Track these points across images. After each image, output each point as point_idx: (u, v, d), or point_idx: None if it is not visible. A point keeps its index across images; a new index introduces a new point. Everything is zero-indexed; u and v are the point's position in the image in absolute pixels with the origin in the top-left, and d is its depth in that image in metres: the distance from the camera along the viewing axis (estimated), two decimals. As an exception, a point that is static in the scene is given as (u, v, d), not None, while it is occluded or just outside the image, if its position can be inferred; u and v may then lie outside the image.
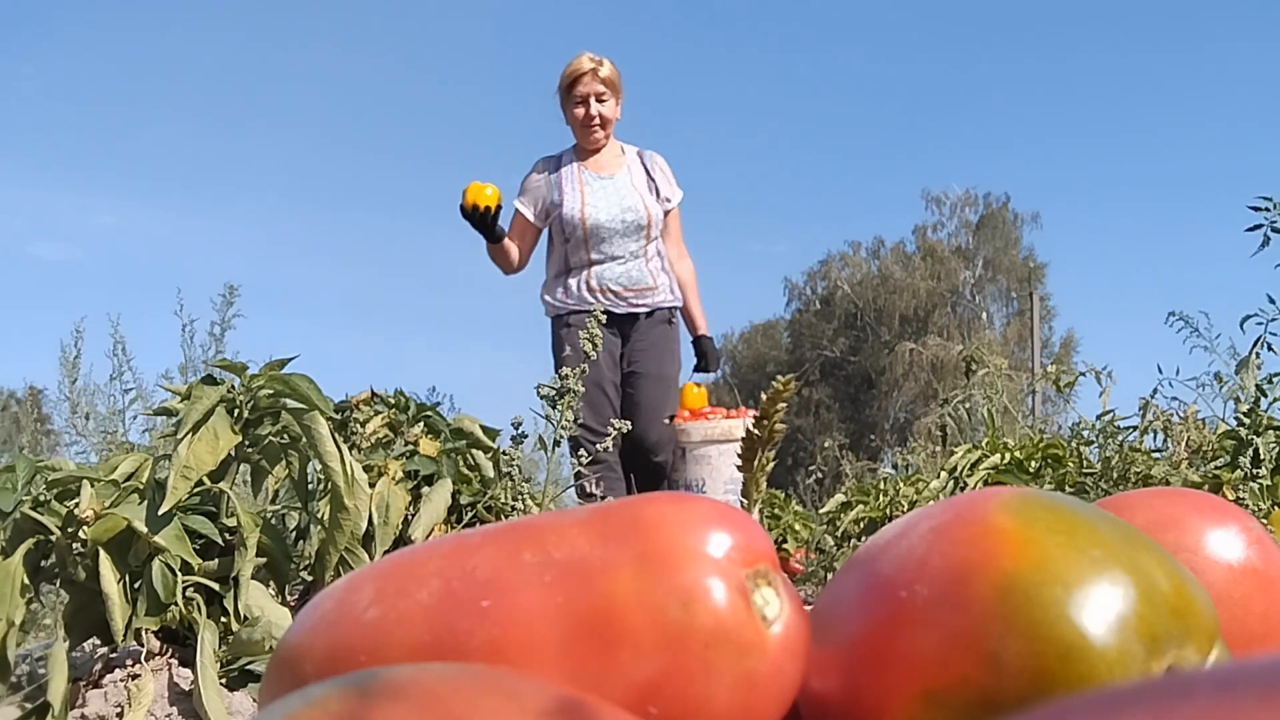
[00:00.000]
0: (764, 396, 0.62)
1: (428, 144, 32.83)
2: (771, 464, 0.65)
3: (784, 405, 0.63)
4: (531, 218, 3.11)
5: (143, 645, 1.25)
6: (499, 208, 2.96)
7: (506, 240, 3.09)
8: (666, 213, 3.16)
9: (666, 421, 3.08)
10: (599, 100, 3.05)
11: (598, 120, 3.05)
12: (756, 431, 0.62)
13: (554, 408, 1.59)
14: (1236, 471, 1.89)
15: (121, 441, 2.74)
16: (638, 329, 3.11)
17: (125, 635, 1.18)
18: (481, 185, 2.98)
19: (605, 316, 1.93)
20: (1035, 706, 0.31)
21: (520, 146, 34.13)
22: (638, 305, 3.09)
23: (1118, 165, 31.31)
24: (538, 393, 1.64)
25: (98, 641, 1.32)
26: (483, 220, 2.97)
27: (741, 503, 0.65)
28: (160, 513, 1.19)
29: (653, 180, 3.15)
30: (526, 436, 1.66)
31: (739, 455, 0.64)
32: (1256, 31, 28.80)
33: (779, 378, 0.62)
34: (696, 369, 3.33)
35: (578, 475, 1.90)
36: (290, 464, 1.42)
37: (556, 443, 1.64)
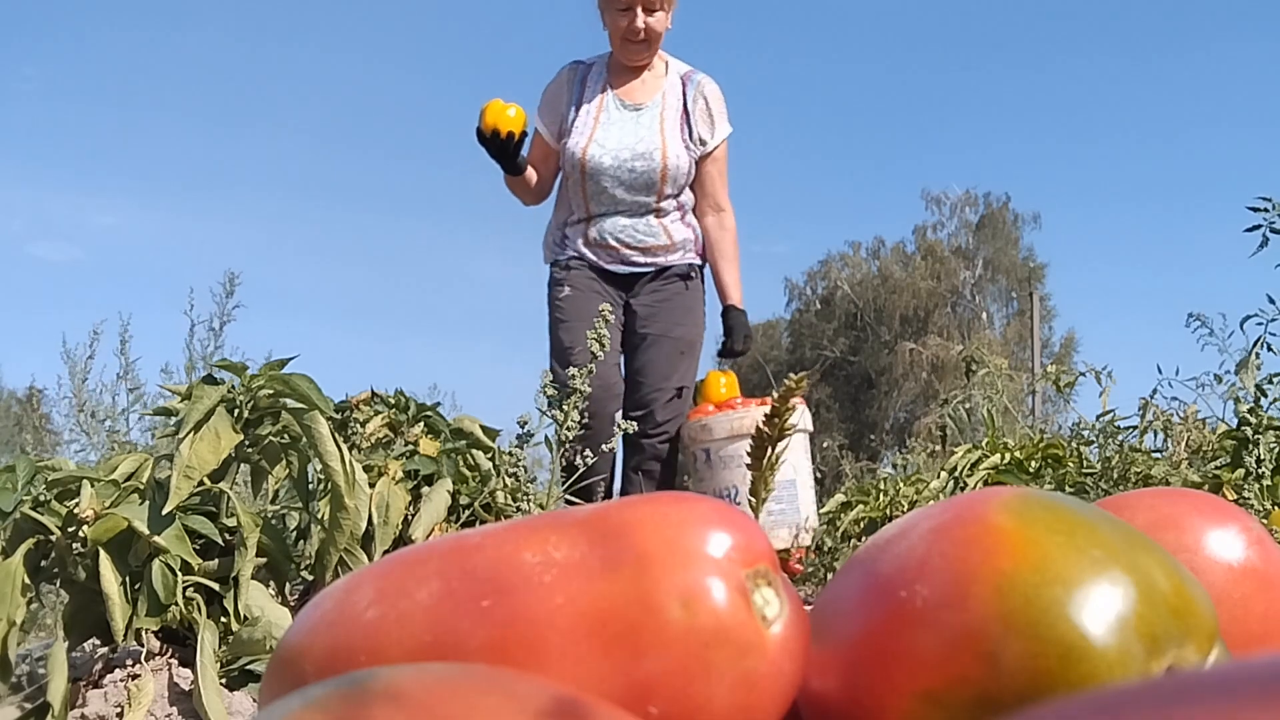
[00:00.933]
0: (775, 393, 0.62)
1: (427, 143, 32.85)
2: (783, 463, 0.65)
3: (796, 403, 0.62)
4: (550, 139, 2.58)
5: (143, 645, 1.25)
6: (524, 134, 2.45)
7: (529, 169, 2.56)
8: (704, 156, 2.57)
9: (677, 395, 2.56)
10: (648, 9, 2.46)
11: (643, 34, 2.48)
12: (767, 429, 0.61)
13: (559, 407, 1.59)
14: (1237, 471, 1.89)
15: (122, 441, 2.74)
16: (644, 288, 2.58)
17: (125, 635, 1.18)
18: (504, 105, 2.44)
19: (601, 275, 1.79)
20: (1035, 706, 0.31)
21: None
22: (642, 265, 2.57)
23: (1118, 165, 31.34)
24: (543, 391, 1.63)
25: (98, 641, 1.32)
26: (504, 148, 2.45)
27: (783, 510, 0.63)
28: (162, 513, 1.19)
29: (688, 116, 2.57)
30: (532, 435, 1.66)
31: (749, 453, 0.63)
32: (1257, 32, 28.81)
33: (792, 375, 0.61)
34: (721, 352, 2.70)
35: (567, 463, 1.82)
36: (290, 464, 1.42)
37: (561, 442, 1.63)
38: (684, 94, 2.59)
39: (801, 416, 2.29)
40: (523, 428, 1.65)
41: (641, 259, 2.56)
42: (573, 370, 1.64)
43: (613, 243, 2.54)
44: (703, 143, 2.57)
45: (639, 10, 2.46)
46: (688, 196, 2.59)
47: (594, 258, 2.57)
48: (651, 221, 2.55)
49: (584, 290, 2.53)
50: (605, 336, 1.65)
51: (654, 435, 2.50)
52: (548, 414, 1.60)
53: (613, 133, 2.52)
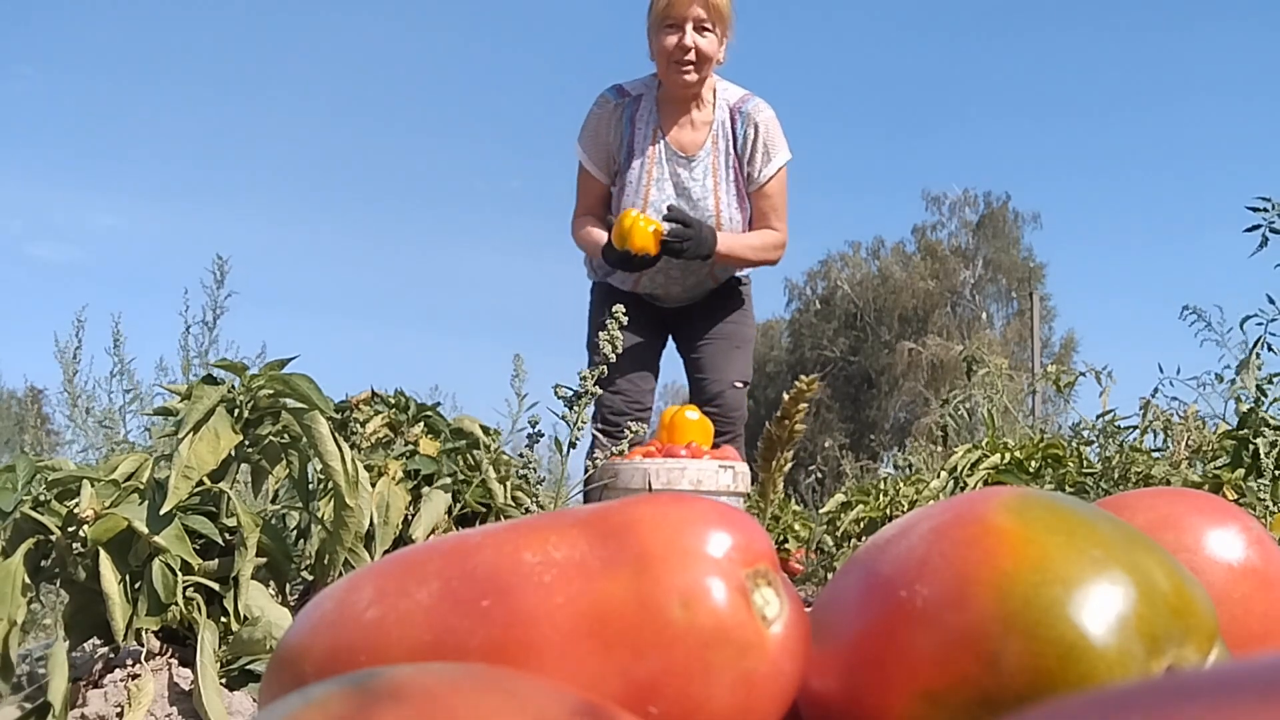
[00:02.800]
0: (786, 396, 0.62)
1: (429, 141, 32.85)
2: (789, 465, 0.65)
3: (805, 406, 0.62)
4: (603, 177, 2.50)
5: (143, 645, 1.25)
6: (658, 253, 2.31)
7: (582, 220, 2.48)
8: (757, 190, 2.48)
9: (739, 385, 2.56)
10: (699, 29, 2.33)
11: (692, 56, 2.34)
12: (776, 432, 0.61)
13: (570, 408, 1.58)
14: (1237, 471, 1.89)
15: (121, 440, 2.73)
16: (693, 309, 2.59)
17: (125, 635, 1.18)
18: (645, 224, 2.26)
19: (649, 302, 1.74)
20: (1035, 706, 0.31)
21: (522, 143, 34.12)
22: (690, 300, 2.58)
23: (1118, 165, 31.34)
24: (556, 393, 1.63)
25: (98, 641, 1.32)
26: (640, 265, 2.32)
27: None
28: (162, 513, 1.19)
29: (740, 157, 2.47)
30: (543, 435, 1.66)
31: (759, 458, 0.63)
32: (1258, 32, 28.81)
33: (802, 377, 0.61)
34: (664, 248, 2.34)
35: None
36: (290, 464, 1.42)
37: (572, 444, 1.63)
38: (733, 131, 2.48)
39: (738, 478, 2.00)
40: (534, 427, 1.65)
41: (689, 299, 2.57)
42: (585, 372, 1.64)
43: (661, 294, 2.55)
44: (750, 179, 2.49)
45: (689, 28, 2.33)
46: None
47: (642, 294, 2.57)
48: (700, 270, 2.51)
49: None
50: (618, 338, 1.64)
51: (726, 433, 2.48)
52: (564, 417, 1.60)
53: (667, 191, 2.45)
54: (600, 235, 2.47)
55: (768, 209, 2.50)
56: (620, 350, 1.59)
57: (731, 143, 2.48)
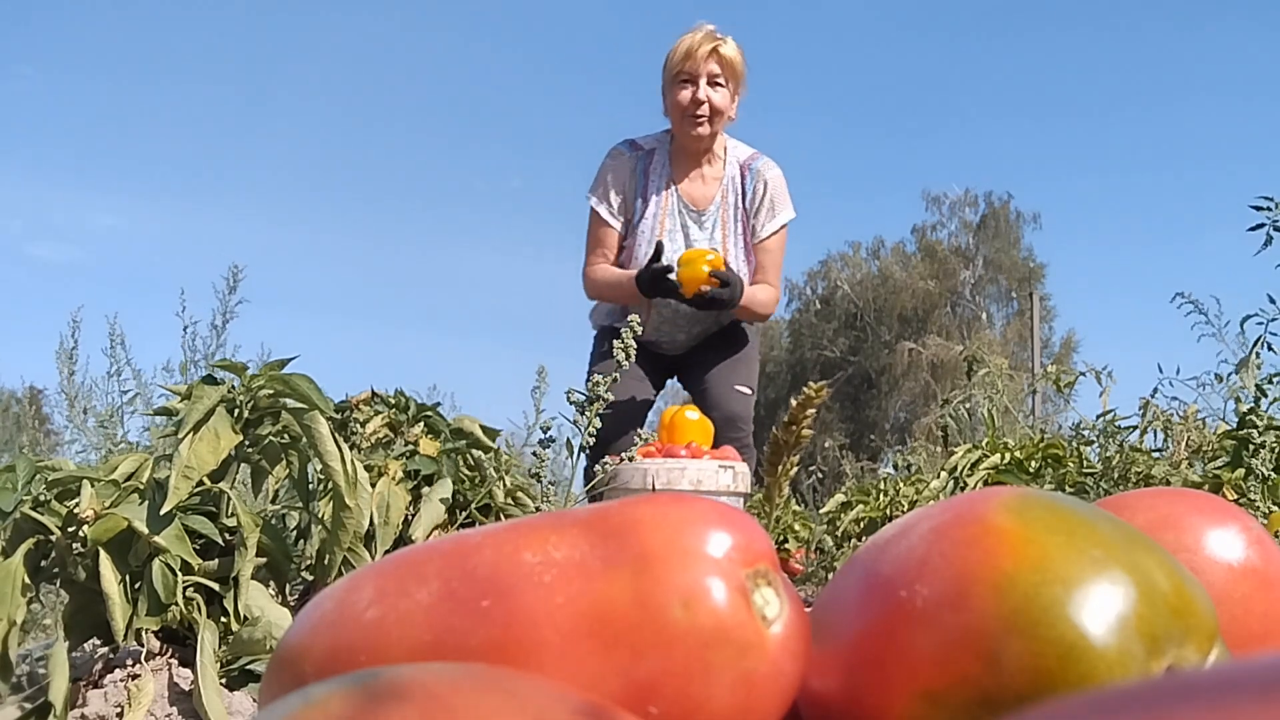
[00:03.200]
0: (793, 402, 0.62)
1: (429, 141, 32.85)
2: (795, 469, 0.65)
3: (813, 412, 0.62)
4: (619, 226, 2.56)
5: (143, 645, 1.25)
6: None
7: (600, 265, 2.52)
8: (758, 243, 2.57)
9: (747, 391, 2.59)
10: (712, 84, 2.44)
11: (705, 109, 2.43)
12: (783, 437, 0.61)
13: (582, 413, 1.59)
14: (1237, 471, 1.89)
15: (121, 440, 2.73)
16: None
17: (125, 635, 1.18)
18: (703, 268, 2.30)
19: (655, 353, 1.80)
20: (1035, 706, 0.31)
21: (522, 143, 34.13)
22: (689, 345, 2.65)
23: (1119, 166, 31.34)
24: (568, 398, 1.64)
25: (98, 641, 1.32)
26: (669, 290, 2.35)
27: None
28: (161, 513, 1.19)
29: (747, 212, 2.57)
30: (555, 440, 1.67)
31: (764, 463, 0.63)
32: (1259, 32, 28.81)
33: (810, 384, 0.61)
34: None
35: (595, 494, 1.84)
36: (290, 464, 1.42)
37: (583, 448, 1.64)
38: (743, 186, 2.56)
39: (738, 478, 2.03)
40: (545, 432, 1.65)
41: (691, 344, 2.64)
42: (597, 378, 1.64)
43: (666, 341, 2.61)
44: (758, 232, 2.56)
45: (703, 82, 2.43)
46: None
47: (646, 342, 2.62)
48: (706, 319, 2.59)
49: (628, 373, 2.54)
50: (632, 347, 1.65)
51: (735, 437, 2.50)
52: (574, 421, 1.60)
53: (678, 242, 2.52)
54: (621, 272, 2.51)
55: (767, 263, 2.58)
56: (616, 396, 1.60)
57: (741, 197, 2.56)
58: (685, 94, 2.44)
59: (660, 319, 2.57)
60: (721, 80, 2.45)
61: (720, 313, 2.55)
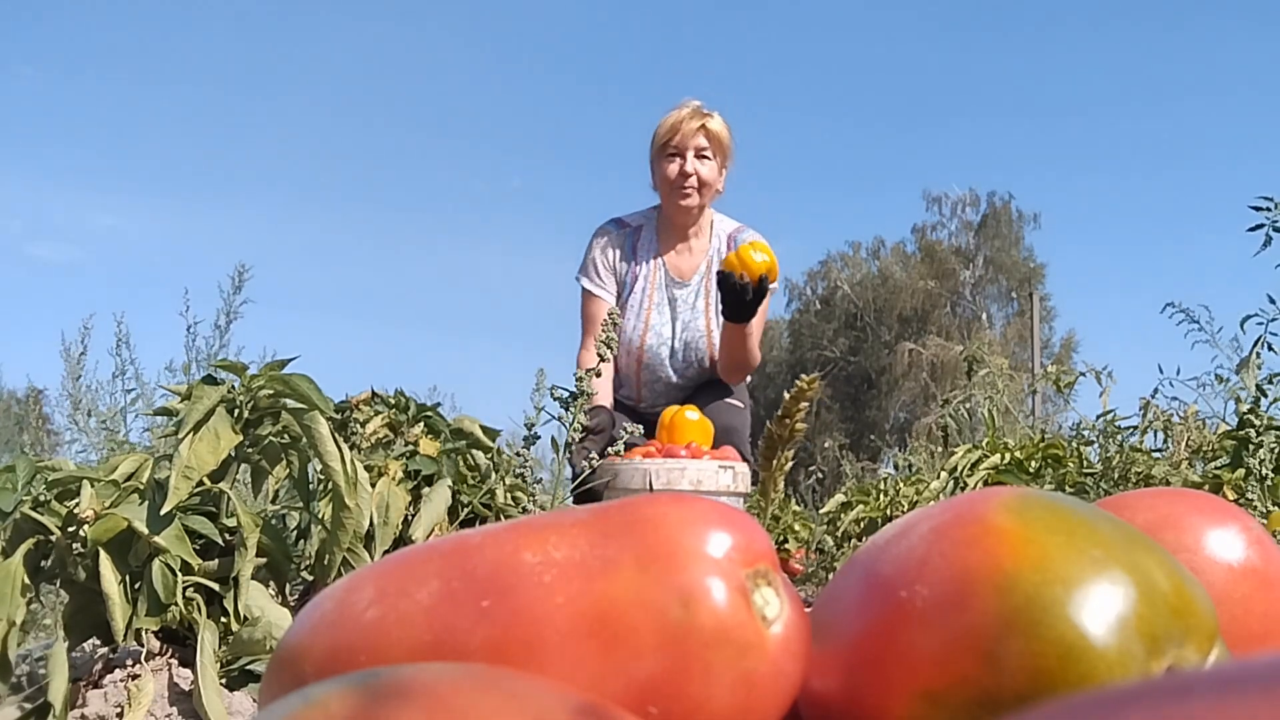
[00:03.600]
0: (787, 395, 0.62)
1: (429, 142, 32.86)
2: (790, 464, 0.65)
3: (806, 405, 0.62)
4: (609, 299, 2.56)
5: (143, 645, 1.25)
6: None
7: (592, 355, 2.44)
8: None
9: (739, 405, 2.58)
10: (699, 157, 2.50)
11: (693, 181, 2.49)
12: (777, 431, 0.61)
13: (566, 409, 1.59)
14: (1237, 471, 1.89)
15: (122, 441, 2.73)
16: None
17: (125, 635, 1.18)
18: (757, 260, 2.24)
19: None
20: (1035, 706, 0.31)
21: (522, 143, 34.13)
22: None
23: (1119, 166, 31.35)
24: (551, 395, 1.64)
25: (98, 641, 1.32)
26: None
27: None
28: (162, 513, 1.19)
29: None
30: (539, 438, 1.67)
31: (759, 457, 0.63)
32: (1259, 31, 28.82)
33: (803, 376, 0.61)
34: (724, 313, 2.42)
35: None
36: (290, 464, 1.42)
37: (569, 444, 1.64)
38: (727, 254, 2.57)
39: (738, 478, 2.00)
40: (530, 429, 1.65)
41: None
42: (580, 373, 1.65)
43: (662, 406, 2.55)
44: None
45: (690, 155, 2.48)
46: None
47: (643, 410, 2.66)
48: (698, 381, 2.63)
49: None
50: (614, 340, 1.66)
51: (734, 443, 2.48)
52: (560, 418, 1.61)
53: (665, 314, 2.57)
54: (604, 390, 2.49)
55: (752, 328, 2.53)
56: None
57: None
58: (673, 167, 2.49)
59: (653, 394, 2.65)
60: (709, 154, 2.51)
61: (706, 374, 2.61)
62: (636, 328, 2.55)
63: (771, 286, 2.32)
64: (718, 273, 2.32)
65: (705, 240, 2.63)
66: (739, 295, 2.29)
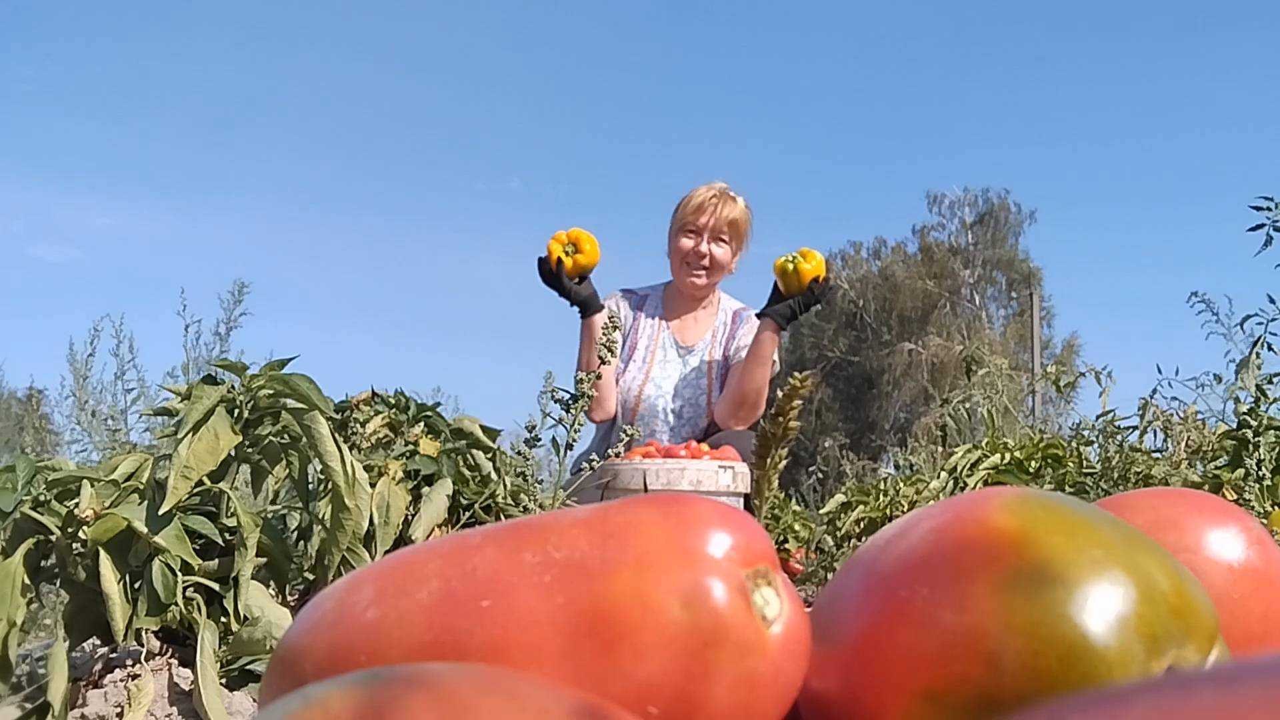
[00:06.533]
0: (780, 393, 0.62)
1: (429, 145, 32.84)
2: (784, 462, 0.65)
3: (799, 403, 0.62)
4: (613, 360, 2.57)
5: (143, 645, 1.25)
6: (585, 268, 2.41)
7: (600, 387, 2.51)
8: (737, 362, 2.64)
9: (739, 426, 2.59)
10: (716, 239, 2.57)
11: (706, 262, 2.57)
12: (770, 429, 0.61)
13: (567, 410, 1.59)
14: (1237, 471, 1.89)
15: (123, 441, 2.74)
16: None
17: (125, 635, 1.18)
18: (810, 265, 2.40)
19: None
20: (1035, 706, 0.31)
21: (522, 143, 34.12)
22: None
23: (1119, 166, 31.34)
24: (552, 396, 1.64)
25: (98, 641, 1.32)
26: (559, 281, 2.41)
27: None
28: (160, 513, 1.19)
29: (731, 342, 2.67)
30: (540, 440, 1.67)
31: (754, 455, 0.63)
32: (1260, 33, 28.80)
33: (796, 374, 0.61)
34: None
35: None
36: (290, 464, 1.42)
37: (569, 445, 1.64)
38: (733, 331, 2.68)
39: (738, 478, 1.97)
40: (531, 431, 1.65)
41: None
42: (581, 375, 1.65)
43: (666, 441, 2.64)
44: (742, 351, 2.64)
45: (706, 236, 2.55)
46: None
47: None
48: (700, 425, 2.64)
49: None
50: (615, 343, 1.66)
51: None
52: (560, 420, 1.60)
53: (668, 371, 2.62)
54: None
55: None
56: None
57: (729, 341, 2.70)
58: (688, 244, 2.56)
59: (657, 430, 2.66)
60: (726, 238, 2.57)
61: (706, 422, 2.63)
62: (637, 377, 2.59)
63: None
64: (815, 280, 2.40)
65: (712, 314, 2.70)
66: (811, 302, 2.42)
